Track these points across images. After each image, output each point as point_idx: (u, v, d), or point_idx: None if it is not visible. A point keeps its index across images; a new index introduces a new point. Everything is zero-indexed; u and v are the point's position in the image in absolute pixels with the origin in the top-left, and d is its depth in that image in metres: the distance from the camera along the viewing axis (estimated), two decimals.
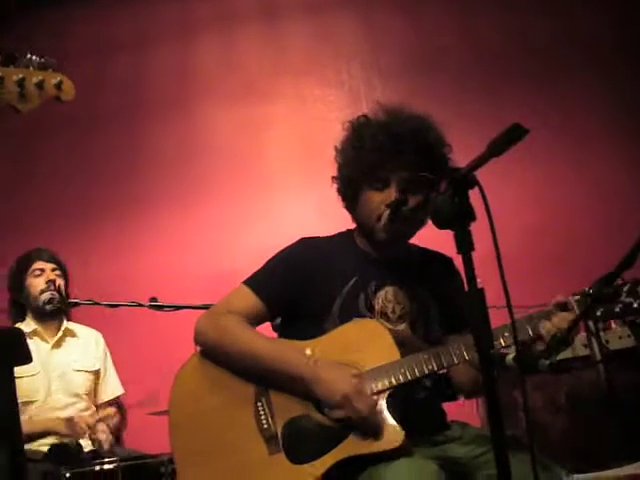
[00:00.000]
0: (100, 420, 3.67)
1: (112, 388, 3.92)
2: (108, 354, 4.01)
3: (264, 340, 2.23)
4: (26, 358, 1.98)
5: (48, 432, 3.53)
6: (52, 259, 3.88)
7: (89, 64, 4.95)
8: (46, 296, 3.75)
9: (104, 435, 3.55)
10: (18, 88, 2.20)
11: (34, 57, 2.26)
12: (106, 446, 3.51)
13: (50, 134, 4.88)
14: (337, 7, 4.95)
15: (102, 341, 4.01)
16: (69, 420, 3.54)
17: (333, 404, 2.05)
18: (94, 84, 4.89)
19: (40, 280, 3.80)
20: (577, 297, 2.01)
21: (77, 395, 3.74)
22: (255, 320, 2.27)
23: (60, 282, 3.84)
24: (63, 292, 3.78)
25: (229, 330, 2.22)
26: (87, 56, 4.96)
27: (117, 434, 3.81)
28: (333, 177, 2.39)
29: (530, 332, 2.01)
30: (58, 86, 2.26)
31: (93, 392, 3.87)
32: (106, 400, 3.89)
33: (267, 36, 4.98)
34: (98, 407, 3.87)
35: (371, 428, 2.03)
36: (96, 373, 3.89)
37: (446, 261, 2.43)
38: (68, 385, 3.73)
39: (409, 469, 1.92)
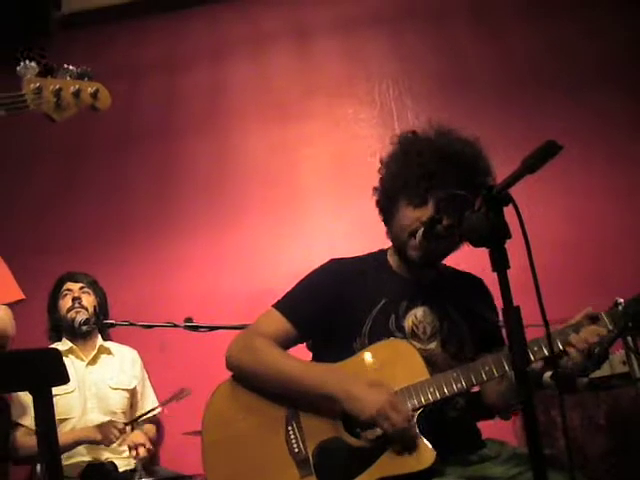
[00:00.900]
0: (139, 431, 3.71)
1: (149, 406, 3.95)
2: (145, 372, 4.05)
3: (295, 361, 2.23)
4: (63, 378, 2.00)
5: (80, 441, 3.56)
6: (81, 279, 3.95)
7: (122, 85, 5.01)
8: (73, 315, 3.82)
9: (143, 441, 3.58)
10: (55, 98, 2.24)
11: (71, 67, 2.31)
12: (143, 453, 3.54)
13: (83, 157, 4.94)
14: (367, 27, 4.97)
15: (139, 359, 4.04)
16: (100, 426, 3.57)
17: (368, 420, 2.04)
18: (127, 105, 4.95)
19: (67, 299, 3.89)
20: (610, 311, 1.99)
21: (113, 413, 3.77)
22: (285, 343, 2.27)
23: (90, 300, 3.90)
24: (97, 311, 3.84)
25: (260, 352, 2.23)
26: (120, 77, 5.02)
27: (153, 450, 3.84)
28: (374, 188, 2.39)
29: (560, 345, 1.99)
30: (94, 95, 2.30)
31: (129, 410, 3.90)
32: (144, 419, 3.92)
33: (299, 56, 5.01)
34: (134, 426, 3.90)
35: (407, 442, 2.01)
36: (132, 391, 3.92)
37: (477, 281, 2.42)
38: (104, 403, 3.77)
39: None
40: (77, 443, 3.55)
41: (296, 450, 2.14)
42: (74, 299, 3.87)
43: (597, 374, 1.93)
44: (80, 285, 3.95)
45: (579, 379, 1.83)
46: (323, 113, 4.80)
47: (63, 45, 5.03)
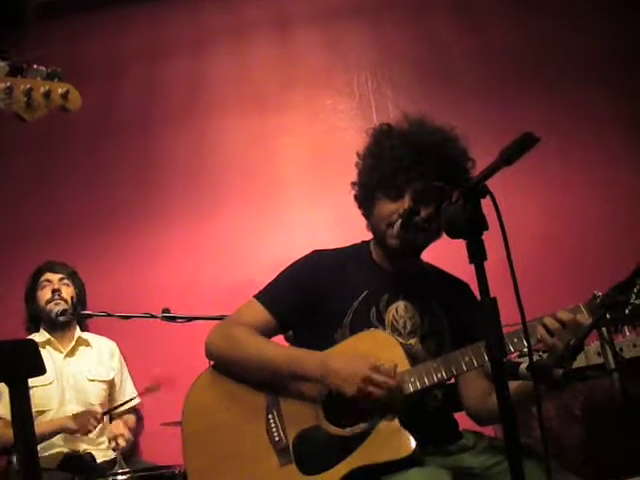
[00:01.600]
0: (118, 418, 3.70)
1: (128, 397, 3.94)
2: (124, 364, 4.04)
3: (275, 346, 2.24)
4: (40, 369, 1.99)
5: (57, 431, 3.55)
6: (61, 270, 3.93)
7: (101, 76, 4.98)
8: (53, 306, 3.80)
9: (123, 431, 3.58)
10: (25, 98, 2.23)
11: (41, 68, 2.30)
12: (122, 443, 3.54)
13: (63, 146, 4.90)
14: (347, 18, 4.96)
15: (117, 351, 4.03)
16: (77, 415, 3.56)
17: (354, 393, 2.04)
18: (107, 95, 4.92)
19: (46, 291, 3.86)
20: (588, 303, 2.00)
21: (91, 404, 3.76)
22: (266, 333, 2.28)
23: (69, 291, 3.88)
24: (75, 302, 3.82)
25: (241, 340, 2.23)
26: (100, 68, 4.99)
27: (133, 440, 3.84)
28: (352, 182, 2.40)
29: (539, 336, 2.00)
30: (64, 96, 2.29)
31: (107, 402, 3.89)
32: (121, 410, 3.91)
33: (279, 47, 5.00)
34: (113, 417, 3.89)
35: (384, 434, 2.02)
36: (110, 383, 3.91)
37: (463, 286, 2.42)
38: (82, 394, 3.75)
39: (421, 478, 1.91)
40: (54, 433, 3.54)
41: (277, 439, 2.14)
42: (54, 291, 3.85)
43: (573, 365, 1.94)
44: (60, 276, 3.92)
45: (555, 370, 1.83)
46: (302, 104, 4.79)
47: (40, 35, 4.99)
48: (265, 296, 2.31)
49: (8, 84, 2.21)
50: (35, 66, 2.28)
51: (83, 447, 3.65)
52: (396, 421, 2.04)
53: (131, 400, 3.86)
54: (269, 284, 2.34)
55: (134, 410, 4.01)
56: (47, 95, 2.26)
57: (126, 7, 5.16)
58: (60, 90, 2.29)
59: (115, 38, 5.16)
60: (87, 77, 4.93)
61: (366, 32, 4.90)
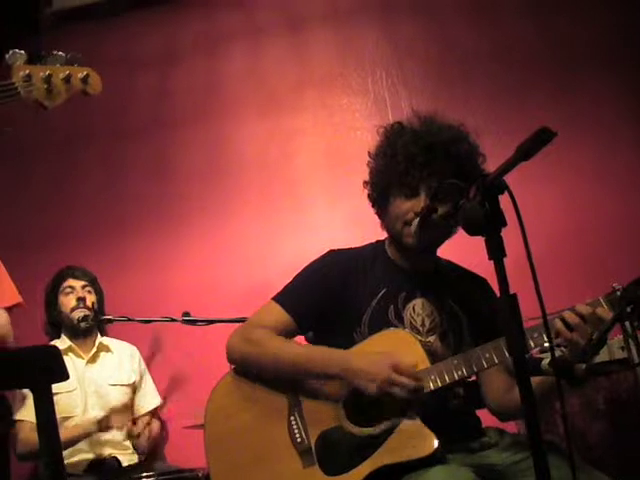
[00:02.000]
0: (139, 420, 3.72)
1: (149, 400, 3.96)
2: (144, 367, 4.05)
3: (295, 346, 2.24)
4: (63, 375, 2.00)
5: (83, 437, 3.57)
6: (83, 276, 3.93)
7: (116, 79, 5.00)
8: (77, 314, 3.81)
9: (142, 432, 3.60)
10: (45, 84, 2.23)
11: (60, 53, 2.30)
12: (144, 442, 3.56)
13: (80, 151, 4.93)
14: (360, 16, 4.95)
15: (137, 354, 4.04)
16: (101, 420, 3.58)
17: (377, 393, 2.04)
18: (122, 98, 4.94)
19: (71, 298, 3.86)
20: (608, 296, 1.99)
21: (116, 409, 3.77)
22: (285, 335, 2.28)
23: (92, 299, 3.89)
24: (96, 308, 3.83)
25: (262, 341, 2.24)
26: (114, 71, 5.01)
27: (155, 442, 3.86)
28: (365, 182, 2.40)
29: (557, 331, 1.99)
30: (85, 80, 2.29)
31: (130, 405, 3.91)
32: (144, 412, 3.93)
33: (292, 48, 5.00)
34: (136, 420, 3.91)
35: (406, 433, 2.02)
36: (132, 386, 3.92)
37: (480, 280, 2.42)
38: (104, 400, 3.77)
39: (444, 477, 1.90)
40: (80, 438, 3.55)
41: (299, 440, 2.14)
42: (79, 299, 3.84)
43: (595, 360, 1.93)
44: (82, 283, 3.92)
45: (577, 365, 1.82)
46: (317, 104, 4.79)
47: (55, 42, 5.00)
48: (283, 298, 2.31)
49: (27, 72, 2.22)
50: (54, 52, 2.29)
51: (108, 451, 3.67)
52: (418, 420, 2.04)
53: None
54: (287, 286, 2.35)
55: (155, 413, 4.02)
56: (67, 80, 2.26)
57: (141, 11, 5.18)
58: (80, 74, 2.29)
59: (129, 42, 5.18)
60: (103, 81, 4.97)
61: (379, 30, 4.89)
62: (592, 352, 1.83)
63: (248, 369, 2.27)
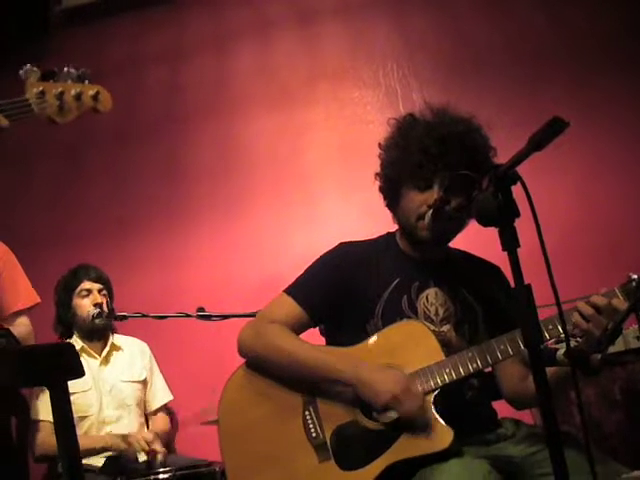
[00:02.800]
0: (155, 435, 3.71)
1: (160, 395, 3.97)
2: (154, 362, 4.05)
3: (308, 347, 2.23)
4: (79, 372, 2.01)
5: (107, 448, 3.58)
6: (99, 279, 3.91)
7: (126, 77, 5.01)
8: (95, 320, 3.78)
9: (159, 449, 3.59)
10: (57, 101, 2.26)
11: (72, 70, 2.32)
12: (161, 458, 3.55)
13: (90, 148, 4.95)
14: (370, 9, 4.93)
15: (147, 350, 4.05)
16: (126, 437, 3.58)
17: (381, 406, 2.05)
18: (133, 97, 4.95)
19: (87, 301, 3.83)
20: (624, 286, 1.98)
21: (127, 406, 3.78)
22: (297, 328, 2.28)
23: (106, 300, 3.87)
24: (110, 308, 3.81)
25: (272, 339, 2.23)
26: (124, 69, 5.03)
27: (168, 436, 3.87)
28: (376, 174, 2.39)
29: (574, 322, 1.98)
30: (95, 97, 2.33)
31: (143, 401, 3.92)
32: (155, 408, 3.94)
33: (302, 41, 4.99)
34: (148, 415, 3.92)
35: (421, 427, 2.02)
36: (144, 382, 3.93)
37: (493, 268, 2.41)
38: (117, 398, 3.77)
39: (460, 470, 1.90)
40: (104, 449, 3.57)
41: (314, 435, 2.14)
42: (96, 304, 3.81)
43: (611, 350, 1.92)
44: (99, 287, 3.88)
45: (592, 356, 1.82)
46: (328, 97, 4.78)
47: (64, 40, 5.03)
48: (295, 290, 2.31)
49: (41, 88, 2.25)
50: (65, 69, 2.32)
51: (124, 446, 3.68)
52: (434, 413, 2.03)
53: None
54: (298, 278, 2.35)
55: (166, 408, 4.03)
56: (78, 97, 2.30)
57: (149, 9, 5.19)
58: (91, 92, 2.33)
59: (138, 39, 5.19)
60: (112, 79, 4.98)
61: (390, 22, 4.88)
62: (607, 342, 1.82)
63: (259, 365, 2.27)
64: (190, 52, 5.11)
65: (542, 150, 1.53)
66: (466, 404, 2.20)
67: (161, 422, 3.93)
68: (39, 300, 3.42)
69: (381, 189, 2.39)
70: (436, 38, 4.76)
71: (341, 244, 2.39)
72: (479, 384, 2.24)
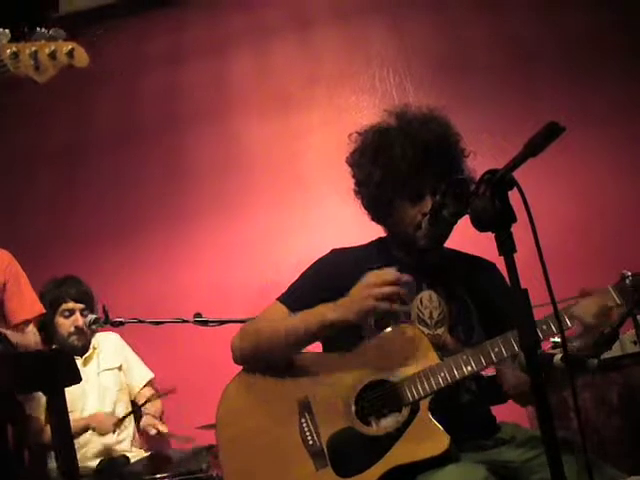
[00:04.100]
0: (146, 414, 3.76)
1: (140, 374, 4.04)
2: (125, 346, 4.09)
3: (287, 317, 2.23)
4: (75, 378, 2.02)
5: (83, 430, 3.65)
6: (81, 297, 3.92)
7: (124, 81, 5.02)
8: (75, 342, 3.88)
9: (153, 422, 3.64)
10: (32, 61, 2.28)
11: (44, 30, 2.34)
12: (155, 430, 3.61)
13: (88, 152, 4.96)
14: (366, 13, 4.95)
15: (116, 337, 4.09)
16: (94, 415, 3.71)
17: (360, 312, 2.06)
18: (131, 100, 4.95)
19: (68, 322, 3.88)
20: (617, 285, 1.97)
21: (108, 390, 3.86)
22: None
23: (86, 319, 3.87)
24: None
25: (256, 328, 2.26)
26: (121, 72, 5.04)
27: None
28: (356, 192, 2.39)
29: (568, 323, 1.98)
30: (70, 54, 2.34)
31: (126, 387, 3.95)
32: (139, 388, 3.98)
33: (299, 46, 5.00)
34: (137, 400, 3.98)
35: (418, 432, 2.01)
36: (119, 368, 3.98)
37: (488, 266, 2.40)
38: (102, 388, 3.88)
39: (458, 475, 1.90)
40: (80, 432, 3.62)
41: (310, 442, 2.14)
42: (77, 327, 3.86)
43: (608, 355, 1.92)
44: (81, 307, 3.91)
45: (589, 360, 1.82)
46: (325, 102, 4.79)
47: None
48: (287, 297, 2.31)
49: (14, 49, 2.27)
50: (38, 29, 2.34)
51: (117, 452, 3.71)
52: (430, 417, 2.03)
53: (130, 413, 3.89)
54: (291, 286, 2.35)
55: (153, 388, 4.05)
56: (53, 55, 2.32)
57: (148, 13, 5.19)
58: (65, 49, 2.35)
59: (136, 44, 5.20)
60: (111, 83, 4.99)
61: (386, 27, 4.89)
62: (604, 347, 1.82)
63: (252, 362, 2.26)
64: (188, 56, 5.12)
65: (538, 155, 1.53)
66: (463, 408, 2.19)
67: (148, 395, 3.95)
68: (44, 311, 3.44)
69: (365, 207, 2.38)
70: (432, 43, 4.77)
71: (333, 250, 2.38)
72: (477, 388, 2.24)
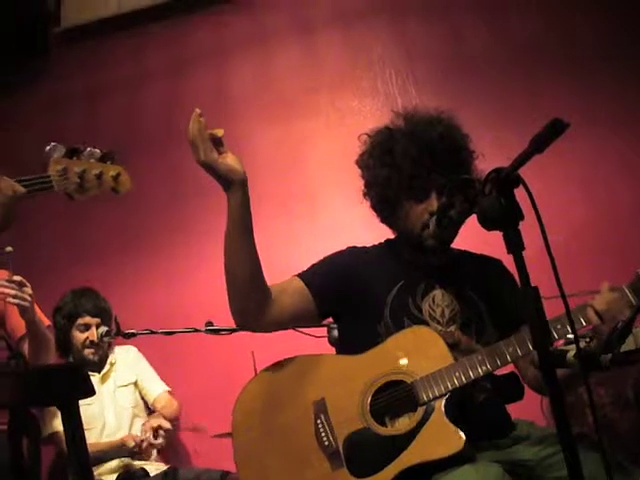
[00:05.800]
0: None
1: (155, 387, 4.04)
2: (141, 360, 4.10)
3: None
4: (89, 391, 2.02)
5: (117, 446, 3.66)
6: (98, 312, 3.94)
7: (126, 92, 5.03)
8: (90, 356, 3.92)
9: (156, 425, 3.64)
10: (78, 180, 2.30)
11: (96, 150, 2.35)
12: (154, 454, 3.63)
13: None
14: (368, 18, 4.95)
15: (132, 351, 4.09)
16: (132, 436, 3.70)
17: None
18: (133, 111, 4.96)
19: (84, 336, 3.91)
20: (633, 284, 1.97)
21: (125, 409, 3.88)
22: (302, 313, 2.29)
23: (102, 330, 3.89)
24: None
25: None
26: (123, 85, 5.05)
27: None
28: (364, 194, 2.41)
29: (583, 322, 1.99)
30: (115, 178, 2.37)
31: (141, 402, 3.96)
32: (155, 397, 4.02)
33: (301, 51, 5.01)
34: (152, 405, 4.01)
35: (433, 432, 2.01)
36: (135, 384, 4.00)
37: (495, 263, 2.41)
38: (119, 404, 3.89)
39: (474, 474, 1.89)
40: (114, 448, 3.66)
41: (326, 443, 2.14)
42: (92, 342, 3.89)
43: (621, 349, 1.92)
44: (97, 321, 3.94)
45: (603, 356, 1.81)
46: (328, 107, 4.79)
47: (64, 58, 5.05)
48: (305, 274, 2.34)
49: (63, 166, 2.28)
50: (89, 148, 2.35)
51: (136, 463, 3.72)
52: (445, 417, 2.03)
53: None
54: (311, 266, 2.38)
55: (169, 394, 4.08)
56: (99, 177, 2.34)
57: (149, 24, 5.21)
58: (112, 172, 2.38)
59: (138, 55, 5.21)
60: (112, 95, 5.00)
61: (388, 30, 4.89)
62: (618, 342, 1.82)
63: (234, 301, 2.40)
64: (191, 64, 5.13)
65: (543, 152, 1.53)
66: (478, 408, 2.19)
67: (163, 401, 3.98)
68: (49, 322, 3.45)
69: (374, 207, 2.40)
70: (434, 45, 4.77)
71: (350, 247, 2.42)
72: (492, 387, 2.24)
